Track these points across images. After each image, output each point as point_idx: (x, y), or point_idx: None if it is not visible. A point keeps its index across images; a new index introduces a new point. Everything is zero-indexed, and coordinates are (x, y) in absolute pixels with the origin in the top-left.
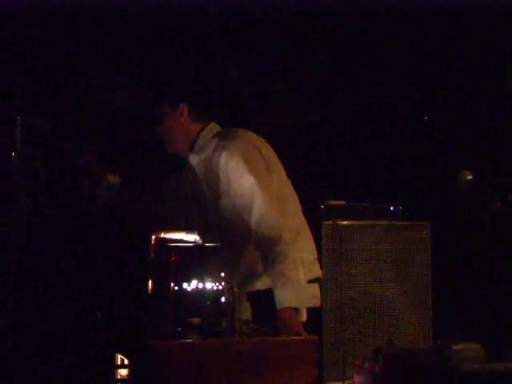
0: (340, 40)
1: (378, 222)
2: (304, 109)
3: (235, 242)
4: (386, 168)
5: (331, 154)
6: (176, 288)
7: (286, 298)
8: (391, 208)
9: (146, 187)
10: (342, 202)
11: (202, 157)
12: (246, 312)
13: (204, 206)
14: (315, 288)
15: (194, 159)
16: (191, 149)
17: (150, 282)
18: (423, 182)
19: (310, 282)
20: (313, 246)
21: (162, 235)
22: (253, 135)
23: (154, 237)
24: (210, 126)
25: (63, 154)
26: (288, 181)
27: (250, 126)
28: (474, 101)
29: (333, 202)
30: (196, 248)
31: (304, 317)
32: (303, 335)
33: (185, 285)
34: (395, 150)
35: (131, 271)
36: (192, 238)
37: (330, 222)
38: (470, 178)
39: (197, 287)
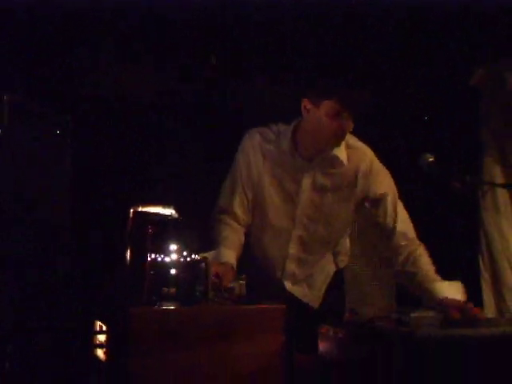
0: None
1: None
2: None
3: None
4: None
5: None
6: (152, 259)
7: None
8: None
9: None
10: None
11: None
12: None
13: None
14: None
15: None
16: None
17: (128, 253)
18: None
19: None
20: None
21: (140, 209)
22: None
23: (131, 210)
24: None
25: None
26: None
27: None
28: (440, 93)
29: None
30: (172, 221)
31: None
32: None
33: (161, 256)
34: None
35: (111, 242)
36: (168, 211)
37: None
38: (431, 159)
39: (172, 258)
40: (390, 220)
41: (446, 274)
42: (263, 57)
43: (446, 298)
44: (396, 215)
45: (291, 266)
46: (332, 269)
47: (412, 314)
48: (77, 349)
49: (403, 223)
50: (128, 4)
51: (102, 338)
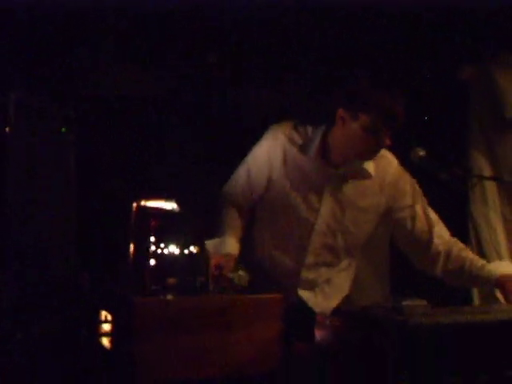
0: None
1: None
2: None
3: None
4: None
5: None
6: (154, 251)
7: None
8: None
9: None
10: None
11: (372, 170)
12: None
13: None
14: None
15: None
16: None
17: (132, 245)
18: None
19: None
20: None
21: (142, 203)
22: None
23: (135, 204)
24: None
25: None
26: None
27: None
28: (431, 89)
29: None
30: (173, 214)
31: None
32: None
33: (163, 248)
34: None
35: (115, 236)
36: (170, 205)
37: None
38: (422, 153)
39: (173, 250)
40: (424, 229)
41: None
42: (264, 56)
43: (503, 274)
44: (430, 223)
45: (307, 275)
46: (350, 276)
47: (405, 303)
48: (84, 338)
49: (438, 228)
50: (128, 4)
51: (107, 327)
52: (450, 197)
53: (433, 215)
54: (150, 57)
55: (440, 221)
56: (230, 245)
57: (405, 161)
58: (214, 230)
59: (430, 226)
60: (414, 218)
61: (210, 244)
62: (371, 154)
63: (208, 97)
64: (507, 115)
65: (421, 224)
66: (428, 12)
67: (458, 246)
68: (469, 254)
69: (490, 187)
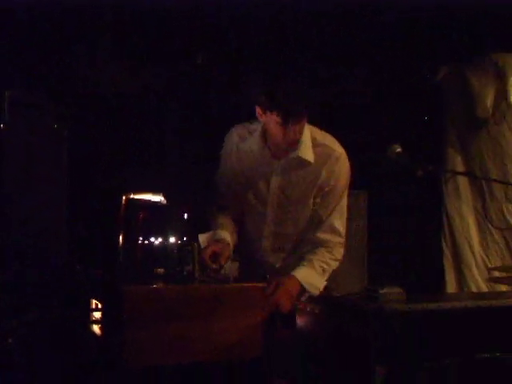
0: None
1: None
2: None
3: (295, 233)
4: None
5: None
6: (143, 241)
7: (302, 272)
8: None
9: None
10: None
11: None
12: None
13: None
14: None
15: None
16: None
17: (121, 236)
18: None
19: None
20: None
21: (131, 196)
22: None
23: (124, 197)
24: None
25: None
26: None
27: None
28: (407, 90)
29: None
30: (161, 207)
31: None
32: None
33: (151, 239)
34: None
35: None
36: (158, 198)
37: None
38: (399, 150)
39: (161, 241)
40: (323, 212)
41: (414, 254)
42: (262, 54)
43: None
44: (332, 211)
45: (268, 260)
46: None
47: (381, 291)
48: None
49: (335, 221)
50: (125, 2)
51: (97, 314)
52: (425, 191)
53: (341, 211)
54: (147, 54)
55: (343, 222)
56: (223, 234)
57: (382, 157)
58: (207, 226)
59: (329, 216)
60: (322, 199)
61: (202, 237)
62: (289, 144)
63: (204, 94)
64: (479, 115)
65: (323, 208)
66: (405, 14)
67: (328, 250)
68: (321, 259)
69: (463, 182)
